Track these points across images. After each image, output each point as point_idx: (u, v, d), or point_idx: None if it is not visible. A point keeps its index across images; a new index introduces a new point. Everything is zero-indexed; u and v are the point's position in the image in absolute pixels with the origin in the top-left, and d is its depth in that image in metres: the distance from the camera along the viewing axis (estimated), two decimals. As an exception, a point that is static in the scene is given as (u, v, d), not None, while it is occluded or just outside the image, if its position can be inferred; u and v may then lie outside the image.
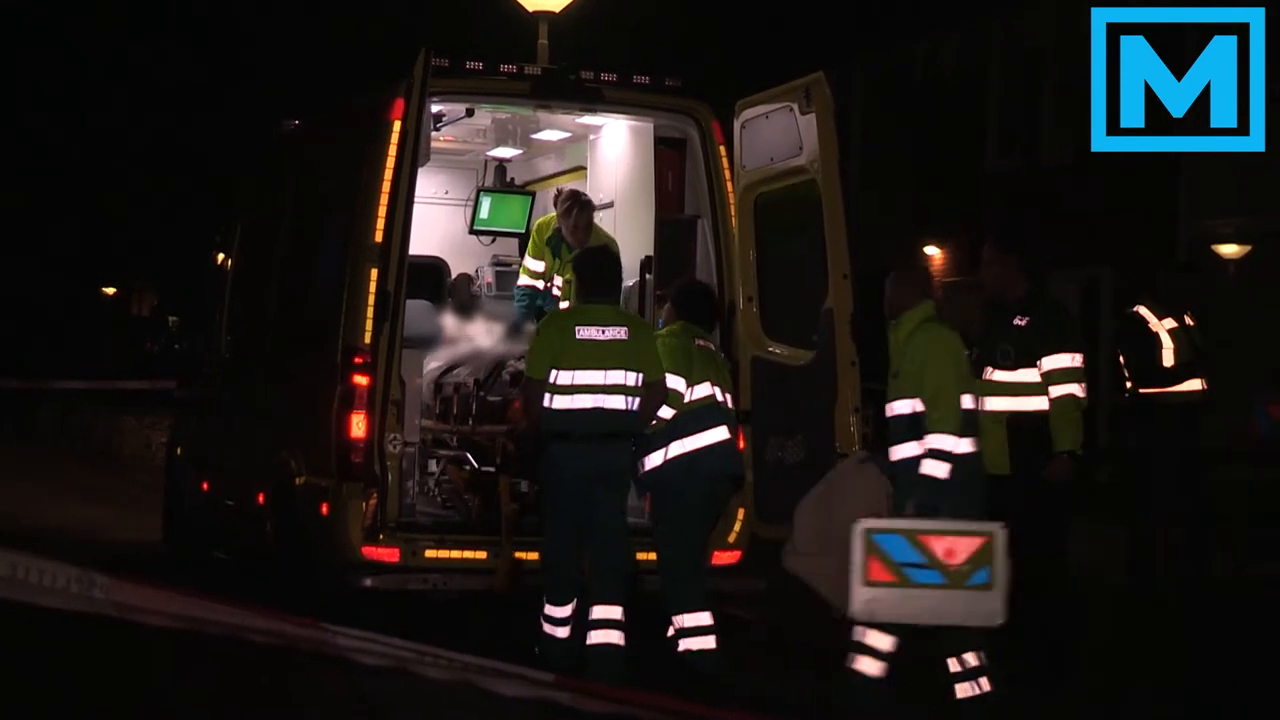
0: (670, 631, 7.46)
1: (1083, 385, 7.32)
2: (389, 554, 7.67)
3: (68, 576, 3.07)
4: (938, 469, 6.38)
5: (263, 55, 31.61)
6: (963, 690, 6.46)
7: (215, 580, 9.52)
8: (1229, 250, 17.91)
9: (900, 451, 6.56)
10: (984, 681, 6.43)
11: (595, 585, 7.29)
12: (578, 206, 9.21)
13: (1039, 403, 7.30)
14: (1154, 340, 9.23)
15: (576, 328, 7.28)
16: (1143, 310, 9.37)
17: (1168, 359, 9.20)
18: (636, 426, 7.31)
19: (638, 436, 7.35)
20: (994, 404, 7.38)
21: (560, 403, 7.21)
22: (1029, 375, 7.33)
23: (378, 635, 3.42)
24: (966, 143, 22.11)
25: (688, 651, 7.29)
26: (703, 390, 7.43)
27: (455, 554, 7.82)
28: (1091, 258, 19.22)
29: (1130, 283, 13.63)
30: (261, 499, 8.76)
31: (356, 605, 7.57)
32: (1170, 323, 9.28)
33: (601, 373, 7.21)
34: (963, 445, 6.47)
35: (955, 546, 6.05)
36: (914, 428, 6.49)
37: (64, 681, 7.14)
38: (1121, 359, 9.57)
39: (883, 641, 6.40)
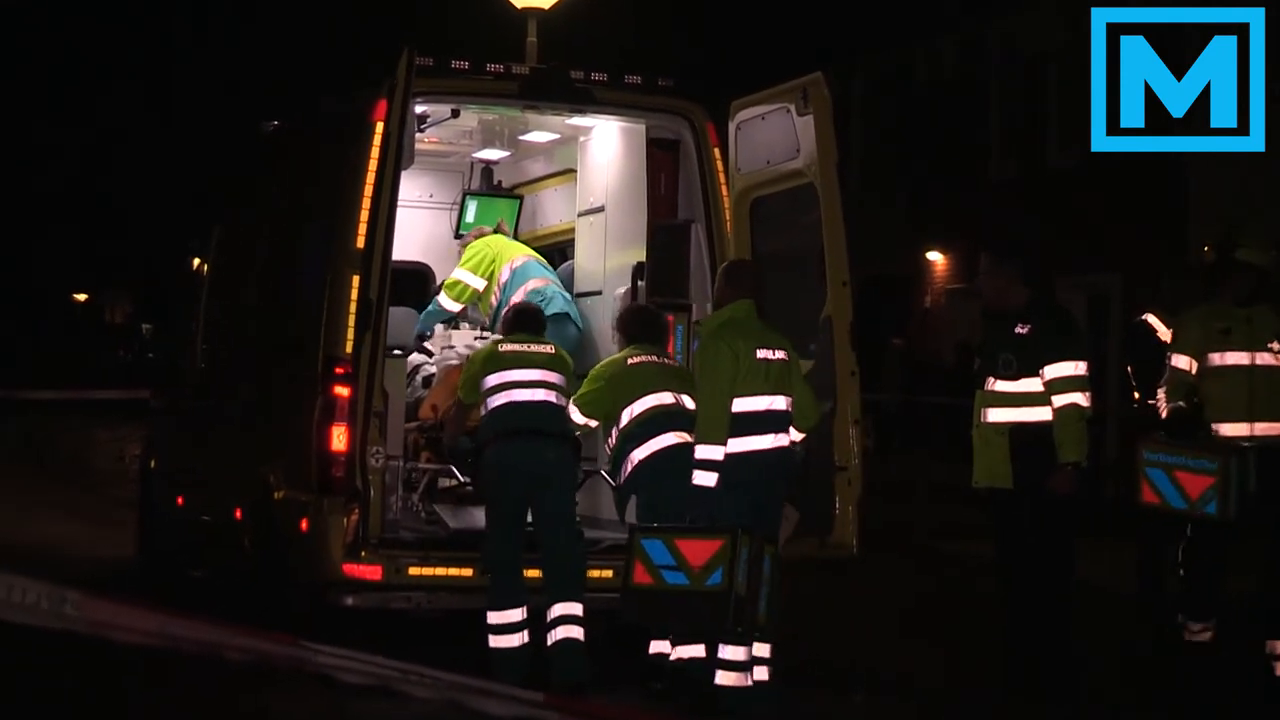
0: (659, 646, 7.51)
1: (1086, 394, 7.31)
2: (371, 571, 7.67)
3: (38, 593, 3.07)
4: (707, 479, 7.00)
5: (242, 55, 31.64)
6: (723, 679, 6.95)
7: (191, 597, 9.50)
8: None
9: None
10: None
11: (551, 584, 7.53)
12: None
13: (1042, 413, 7.29)
14: (1162, 349, 9.23)
15: (500, 345, 7.93)
16: (1151, 319, 9.38)
17: None
18: (565, 426, 7.72)
19: (569, 437, 7.72)
20: (996, 415, 7.38)
21: (491, 403, 7.72)
22: (1032, 385, 7.32)
23: (360, 653, 3.42)
24: (969, 146, 22.15)
25: (679, 660, 7.34)
26: (649, 401, 7.62)
27: (440, 571, 7.81)
28: (1099, 264, 19.25)
29: (1139, 290, 13.68)
30: (239, 514, 8.75)
31: (337, 624, 7.56)
32: (1179, 330, 9.28)
33: (523, 371, 7.71)
34: (738, 445, 7.04)
35: (699, 549, 6.75)
36: None
37: (34, 701, 7.13)
38: (1129, 369, 9.58)
39: (738, 653, 6.93)
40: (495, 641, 7.49)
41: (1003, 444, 7.33)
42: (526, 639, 7.53)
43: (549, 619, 7.48)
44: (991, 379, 7.43)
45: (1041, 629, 7.30)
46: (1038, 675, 7.31)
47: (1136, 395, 9.43)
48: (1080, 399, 7.26)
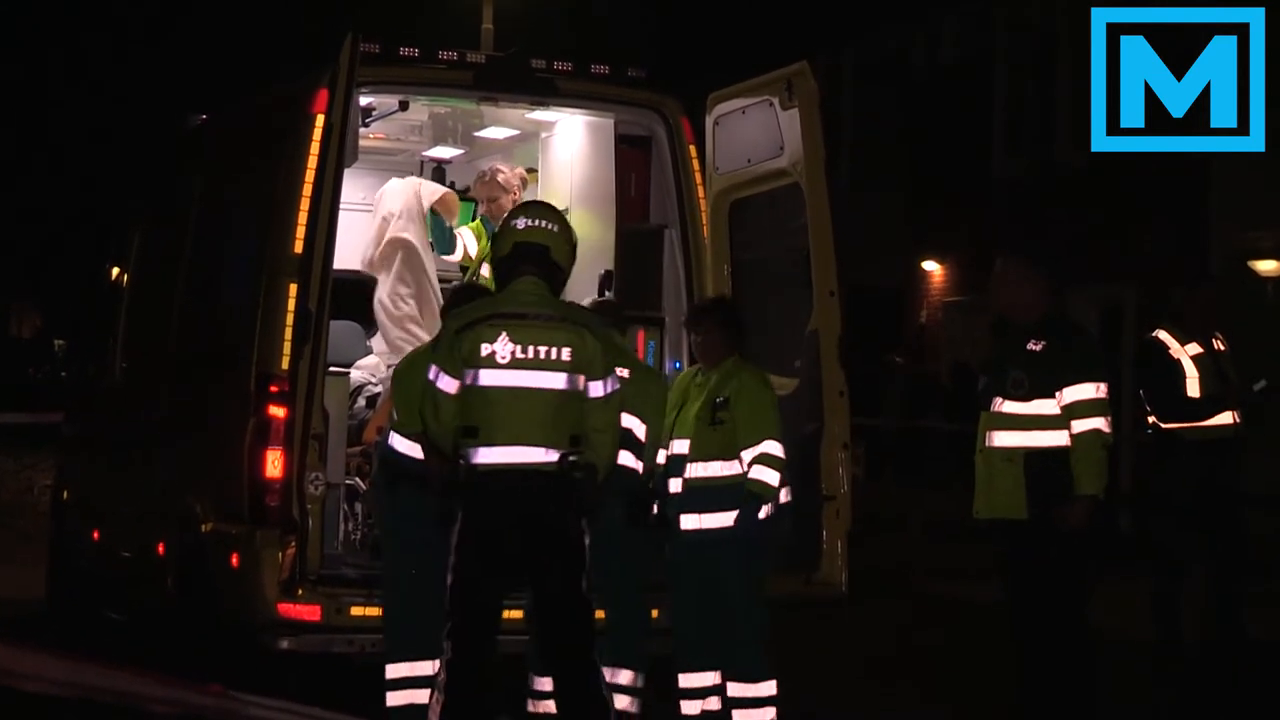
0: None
1: (1108, 419, 7.22)
2: (309, 611, 7.66)
3: (-62, 637, 3.06)
4: None
5: (171, 43, 31.63)
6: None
7: (108, 643, 9.46)
8: (1268, 266, 18.07)
9: None
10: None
11: None
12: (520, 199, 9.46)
13: (1057, 438, 7.22)
14: (1175, 369, 9.24)
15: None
16: (1162, 335, 9.38)
17: (1191, 389, 9.22)
18: None
19: None
20: (1003, 439, 7.29)
21: None
22: (1045, 407, 7.25)
23: (297, 704, 3.42)
24: (970, 142, 22.26)
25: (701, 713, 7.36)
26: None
27: (385, 611, 7.80)
28: (1113, 274, 19.33)
29: (1154, 303, 13.88)
30: (162, 549, 8.74)
31: (272, 671, 7.54)
32: (1195, 348, 9.28)
33: None
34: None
35: None
36: None
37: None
38: (1141, 392, 9.59)
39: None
40: (390, 698, 7.24)
41: (1010, 471, 7.23)
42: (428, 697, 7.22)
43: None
44: (999, 399, 7.35)
45: (1060, 682, 7.24)
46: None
47: (1150, 419, 9.47)
48: (1102, 424, 7.13)
